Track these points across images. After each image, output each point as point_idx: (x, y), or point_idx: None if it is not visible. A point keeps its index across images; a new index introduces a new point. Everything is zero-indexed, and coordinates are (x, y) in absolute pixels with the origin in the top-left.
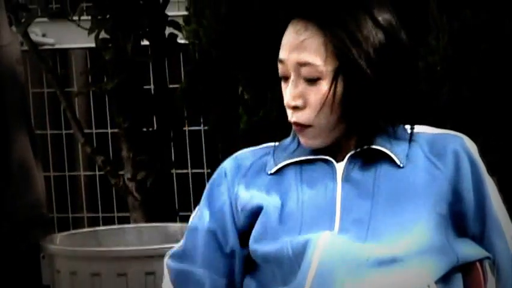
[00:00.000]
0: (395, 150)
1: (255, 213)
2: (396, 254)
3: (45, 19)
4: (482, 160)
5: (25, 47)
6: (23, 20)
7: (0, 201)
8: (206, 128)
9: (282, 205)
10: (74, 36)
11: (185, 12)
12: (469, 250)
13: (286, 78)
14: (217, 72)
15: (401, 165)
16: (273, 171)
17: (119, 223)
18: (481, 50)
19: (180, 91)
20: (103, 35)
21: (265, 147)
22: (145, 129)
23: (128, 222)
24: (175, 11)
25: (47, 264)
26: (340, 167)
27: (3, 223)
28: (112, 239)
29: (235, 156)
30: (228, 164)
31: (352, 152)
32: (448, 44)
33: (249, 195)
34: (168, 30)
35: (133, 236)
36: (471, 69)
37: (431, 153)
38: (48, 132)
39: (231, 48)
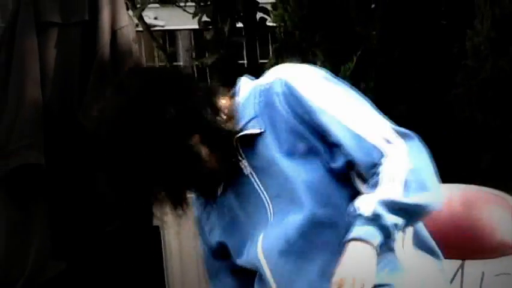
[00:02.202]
0: (250, 126)
1: (219, 244)
2: (299, 202)
3: (156, 5)
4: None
5: (140, 28)
6: (138, 6)
7: None
8: None
9: (231, 223)
10: (180, 19)
11: (273, 0)
12: (336, 160)
13: None
14: (299, 49)
15: (263, 131)
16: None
17: None
18: None
19: (269, 65)
20: (204, 18)
21: None
22: None
23: None
24: None
25: None
26: (244, 162)
27: None
28: None
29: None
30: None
31: (238, 152)
32: (490, 27)
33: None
34: (259, 15)
35: None
36: (510, 48)
37: (266, 107)
38: None
39: (311, 30)
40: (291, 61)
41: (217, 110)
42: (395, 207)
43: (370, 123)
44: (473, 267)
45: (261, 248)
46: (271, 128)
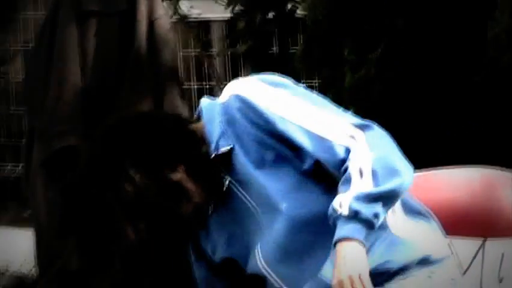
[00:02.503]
0: (220, 145)
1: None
2: (278, 210)
3: None
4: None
5: (176, 18)
6: None
7: None
8: (318, 82)
9: (230, 238)
10: (214, 9)
11: None
12: (306, 162)
13: None
14: (327, 38)
15: (232, 147)
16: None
17: None
18: None
19: (298, 53)
20: (237, 8)
21: None
22: None
23: None
24: None
25: None
26: (226, 178)
27: None
28: None
29: None
30: None
31: (220, 171)
32: (509, 18)
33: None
34: (289, 5)
35: None
36: None
37: (229, 124)
38: (194, 85)
39: (339, 19)
40: (318, 49)
41: (191, 137)
42: (370, 199)
43: (329, 122)
44: (494, 247)
45: (261, 260)
46: (238, 143)
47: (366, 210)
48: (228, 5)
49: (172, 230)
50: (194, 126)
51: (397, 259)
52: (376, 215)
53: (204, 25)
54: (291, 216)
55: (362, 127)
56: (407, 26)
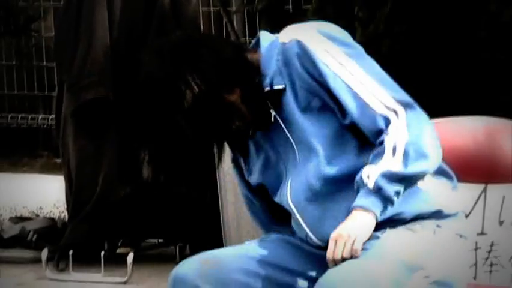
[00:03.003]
0: (275, 82)
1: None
2: (316, 152)
3: None
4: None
5: None
6: None
7: None
8: None
9: (265, 164)
10: None
11: None
12: (346, 118)
13: None
14: None
15: (284, 87)
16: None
17: None
18: None
19: (311, 10)
20: None
21: None
22: None
23: None
24: None
25: None
26: (272, 111)
27: None
28: None
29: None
30: None
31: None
32: None
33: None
34: None
35: None
36: None
37: (284, 66)
38: None
39: None
40: (331, 6)
41: (249, 65)
42: (396, 178)
43: (376, 91)
44: (495, 190)
45: (290, 196)
46: (290, 84)
47: (389, 188)
48: None
49: (221, 140)
50: (251, 55)
51: (411, 208)
52: (397, 193)
53: None
54: (326, 163)
55: (404, 104)
56: None
